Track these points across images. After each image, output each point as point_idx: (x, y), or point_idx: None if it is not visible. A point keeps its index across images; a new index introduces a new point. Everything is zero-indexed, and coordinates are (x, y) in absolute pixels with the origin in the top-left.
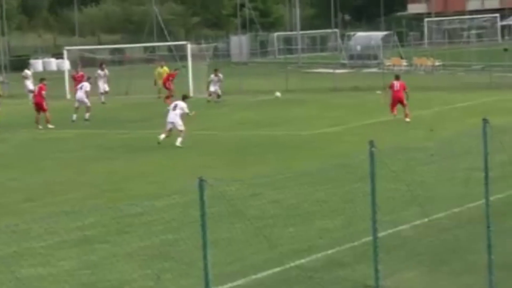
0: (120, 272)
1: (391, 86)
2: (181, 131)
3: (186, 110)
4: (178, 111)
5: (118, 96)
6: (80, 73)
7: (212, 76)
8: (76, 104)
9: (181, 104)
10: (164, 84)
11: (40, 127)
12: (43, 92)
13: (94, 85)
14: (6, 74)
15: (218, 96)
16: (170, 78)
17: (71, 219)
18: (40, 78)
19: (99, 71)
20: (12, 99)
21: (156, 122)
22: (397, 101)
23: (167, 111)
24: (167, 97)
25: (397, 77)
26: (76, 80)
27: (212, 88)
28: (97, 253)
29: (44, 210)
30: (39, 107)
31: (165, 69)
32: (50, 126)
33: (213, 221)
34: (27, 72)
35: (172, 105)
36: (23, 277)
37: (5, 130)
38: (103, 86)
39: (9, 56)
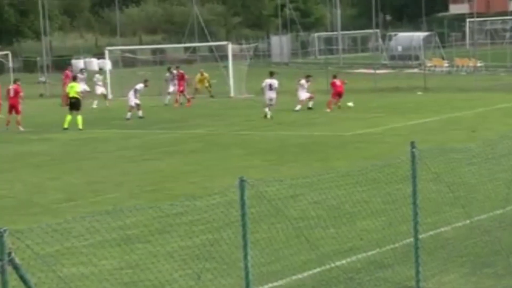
0: (161, 271)
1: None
2: (272, 105)
3: (277, 86)
4: (274, 89)
5: (159, 96)
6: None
7: (303, 81)
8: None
9: (275, 82)
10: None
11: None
12: (21, 94)
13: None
14: (48, 74)
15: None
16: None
17: (113, 219)
18: (14, 79)
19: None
20: (56, 99)
21: (197, 122)
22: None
23: (263, 90)
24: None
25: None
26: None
27: (303, 96)
28: (138, 252)
29: (85, 210)
30: (14, 109)
31: (206, 75)
32: (21, 128)
33: (253, 221)
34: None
35: (267, 85)
36: (65, 276)
37: (49, 130)
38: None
39: (51, 56)
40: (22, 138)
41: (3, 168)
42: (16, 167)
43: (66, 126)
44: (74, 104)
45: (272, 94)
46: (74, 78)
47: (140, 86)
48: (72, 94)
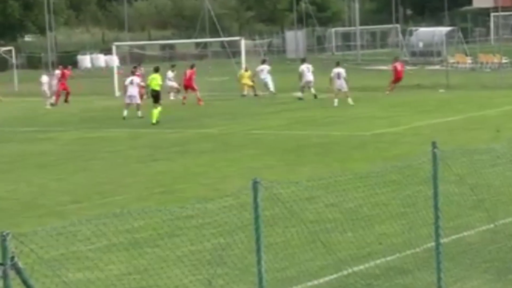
0: (170, 277)
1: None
2: (346, 91)
3: (345, 74)
4: (342, 78)
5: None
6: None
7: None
8: (128, 101)
9: (342, 71)
10: (190, 85)
11: None
12: None
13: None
14: (53, 70)
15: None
16: (193, 77)
17: (120, 222)
18: None
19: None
20: (61, 96)
21: (208, 121)
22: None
23: (332, 79)
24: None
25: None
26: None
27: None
28: (146, 257)
29: (92, 212)
30: None
31: (249, 72)
32: None
33: (267, 224)
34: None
35: (336, 74)
36: (70, 281)
37: (53, 128)
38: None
39: (56, 52)
40: (27, 137)
41: (7, 168)
42: (20, 167)
43: (154, 121)
44: (155, 97)
45: (341, 83)
46: (156, 70)
47: (137, 79)
48: (153, 87)
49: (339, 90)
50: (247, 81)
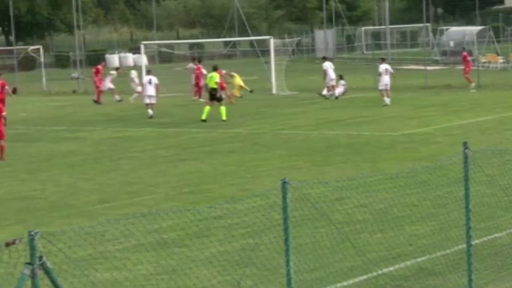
0: (198, 277)
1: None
2: (388, 90)
3: (392, 70)
4: (389, 73)
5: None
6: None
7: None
8: (147, 100)
9: (389, 66)
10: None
11: None
12: (7, 87)
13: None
14: (82, 69)
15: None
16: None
17: (148, 222)
18: None
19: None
20: (89, 95)
21: (236, 121)
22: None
23: (381, 75)
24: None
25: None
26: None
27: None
28: (175, 257)
29: (120, 212)
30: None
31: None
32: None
33: (296, 225)
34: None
35: (384, 69)
36: (98, 281)
37: (82, 128)
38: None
39: (84, 51)
40: (56, 136)
41: (35, 167)
42: (48, 166)
43: (204, 117)
44: (213, 96)
45: (388, 79)
46: (215, 69)
47: (156, 80)
48: (211, 85)
49: (385, 85)
50: (240, 82)
